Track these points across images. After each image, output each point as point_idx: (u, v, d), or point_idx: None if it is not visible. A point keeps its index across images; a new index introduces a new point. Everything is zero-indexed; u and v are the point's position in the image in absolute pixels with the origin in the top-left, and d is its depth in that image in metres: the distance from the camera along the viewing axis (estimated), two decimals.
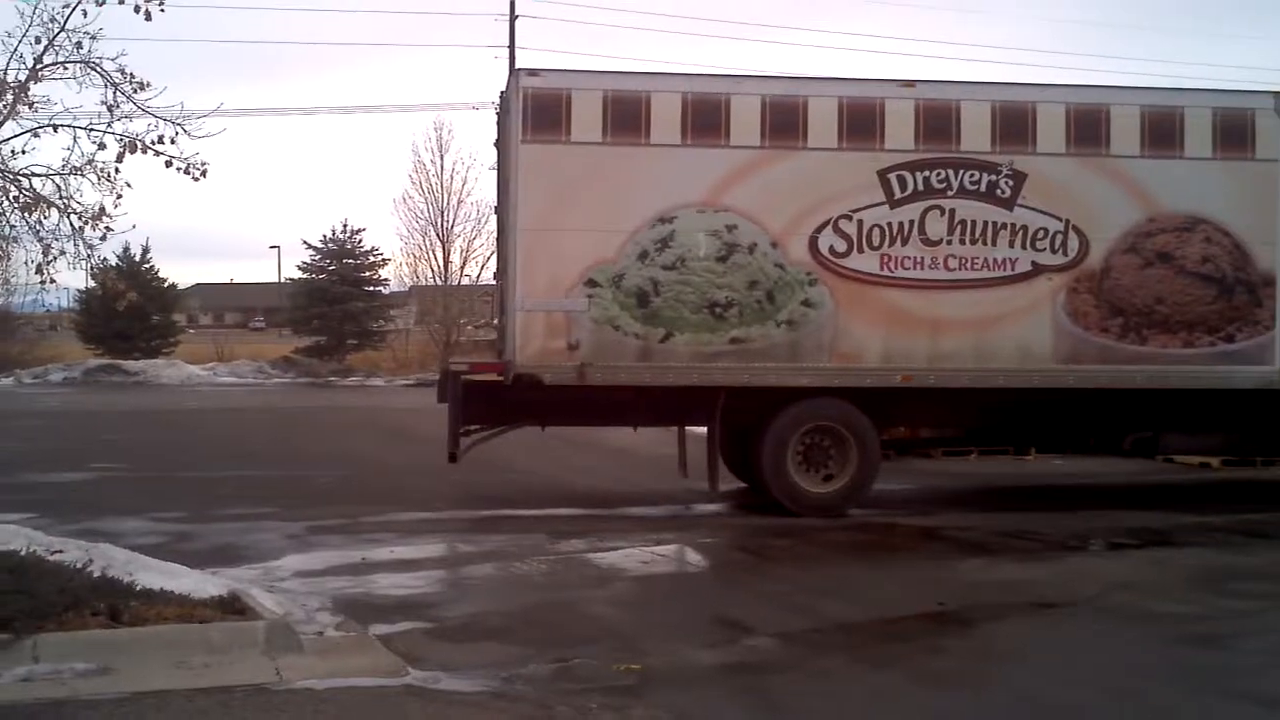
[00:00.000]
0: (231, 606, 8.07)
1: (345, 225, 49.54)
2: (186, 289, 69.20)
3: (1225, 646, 8.34)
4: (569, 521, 12.95)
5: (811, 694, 7.35)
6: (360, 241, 49.63)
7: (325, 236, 49.44)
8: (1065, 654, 8.17)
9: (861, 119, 13.28)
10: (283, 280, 72.32)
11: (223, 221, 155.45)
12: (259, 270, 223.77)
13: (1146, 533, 12.55)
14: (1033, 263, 13.51)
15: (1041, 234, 13.51)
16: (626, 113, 12.99)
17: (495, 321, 15.76)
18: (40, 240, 10.68)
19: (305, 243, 50.08)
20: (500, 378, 13.31)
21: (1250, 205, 13.91)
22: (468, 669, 7.49)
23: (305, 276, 50.59)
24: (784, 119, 13.17)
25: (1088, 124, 13.59)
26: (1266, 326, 13.88)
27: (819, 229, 13.21)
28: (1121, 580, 10.34)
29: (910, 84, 13.57)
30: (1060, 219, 13.54)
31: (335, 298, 48.00)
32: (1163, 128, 13.72)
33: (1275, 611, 9.33)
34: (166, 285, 51.24)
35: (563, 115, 12.93)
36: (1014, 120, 13.50)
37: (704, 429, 13.66)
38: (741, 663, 7.90)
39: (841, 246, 13.24)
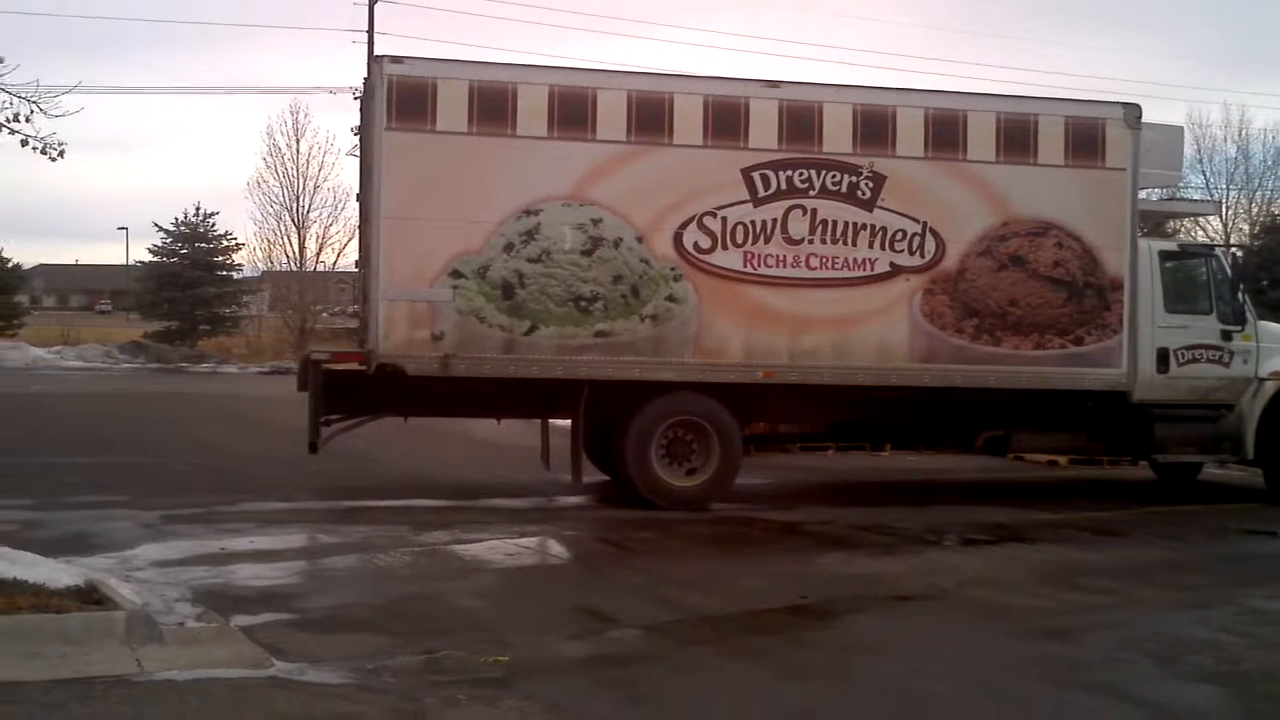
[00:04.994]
0: (89, 596, 7.87)
1: (198, 208, 48.63)
2: (30, 269, 67.23)
3: (1076, 640, 8.58)
4: (432, 513, 12.84)
5: (678, 685, 7.41)
6: (213, 225, 48.78)
7: (177, 219, 48.46)
8: (923, 646, 8.37)
9: (726, 117, 13.41)
10: (131, 263, 70.59)
11: (66, 200, 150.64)
12: (104, 252, 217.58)
13: (998, 528, 12.87)
14: (891, 263, 13.77)
15: (900, 235, 13.77)
16: (493, 104, 12.94)
17: (356, 309, 15.56)
18: None
19: (156, 225, 49.05)
20: (362, 367, 13.15)
21: (1100, 212, 14.31)
22: (333, 661, 7.39)
23: (156, 260, 49.45)
24: (650, 115, 13.24)
25: (945, 129, 13.89)
26: (1114, 330, 14.31)
27: (684, 225, 13.32)
28: (976, 575, 10.61)
29: (775, 84, 13.73)
30: (918, 221, 13.81)
31: (187, 282, 47.09)
32: (1017, 134, 14.08)
33: (1121, 607, 9.61)
34: (10, 265, 49.70)
35: (428, 104, 12.83)
36: (875, 123, 13.74)
37: (568, 421, 13.69)
38: (608, 654, 7.93)
39: (706, 243, 13.36)
